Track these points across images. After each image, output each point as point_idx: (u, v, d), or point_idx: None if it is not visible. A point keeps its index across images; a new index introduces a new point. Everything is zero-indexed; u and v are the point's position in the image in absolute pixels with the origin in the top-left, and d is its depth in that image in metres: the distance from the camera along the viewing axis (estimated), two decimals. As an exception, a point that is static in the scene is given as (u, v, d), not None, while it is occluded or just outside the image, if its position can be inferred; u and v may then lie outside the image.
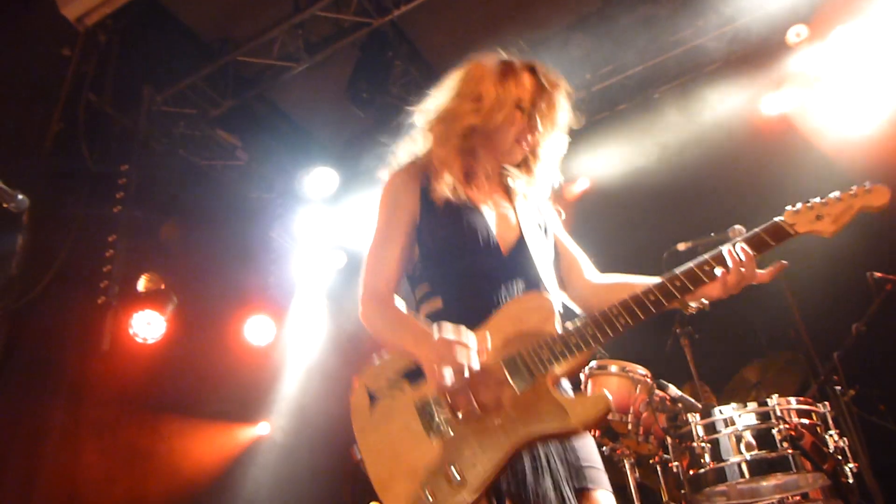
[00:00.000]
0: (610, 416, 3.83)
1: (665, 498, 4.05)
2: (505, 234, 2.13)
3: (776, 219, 1.97)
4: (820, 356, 4.47)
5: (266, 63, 6.12)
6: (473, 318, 1.94)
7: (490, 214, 2.16)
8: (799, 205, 1.96)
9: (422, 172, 2.21)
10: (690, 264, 1.94)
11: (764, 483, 3.48)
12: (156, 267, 5.85)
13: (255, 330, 6.52)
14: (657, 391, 3.84)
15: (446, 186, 2.13)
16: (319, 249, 7.03)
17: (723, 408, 3.46)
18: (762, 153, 5.81)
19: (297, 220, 6.92)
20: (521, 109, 2.19)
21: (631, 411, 3.77)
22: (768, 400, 3.36)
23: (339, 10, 5.81)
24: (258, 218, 7.08)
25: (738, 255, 1.92)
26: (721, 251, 1.93)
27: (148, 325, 5.57)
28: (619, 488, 3.91)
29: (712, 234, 4.36)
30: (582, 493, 1.87)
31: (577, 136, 7.33)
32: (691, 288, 1.90)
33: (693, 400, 3.72)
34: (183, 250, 6.10)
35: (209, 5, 5.91)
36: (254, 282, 6.80)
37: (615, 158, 6.62)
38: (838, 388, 3.95)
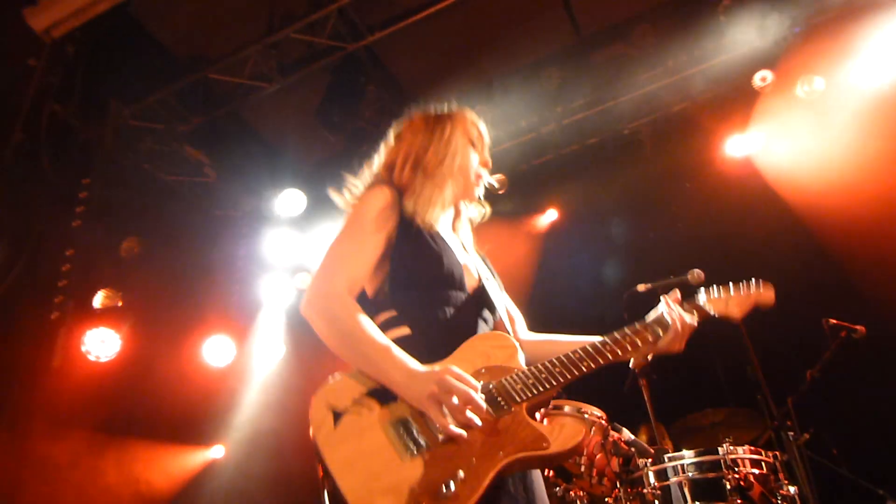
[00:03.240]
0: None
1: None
2: (469, 272, 2.19)
3: (700, 300, 2.27)
4: (775, 400, 4.51)
5: (238, 82, 6.07)
6: (441, 349, 1.97)
7: (458, 252, 2.21)
8: (716, 292, 2.28)
9: (402, 194, 2.23)
10: (638, 324, 2.11)
11: (713, 531, 3.48)
12: (114, 283, 5.74)
13: (213, 350, 6.41)
14: (612, 433, 3.84)
15: (426, 218, 2.17)
16: (284, 270, 6.95)
17: (674, 454, 3.46)
18: (726, 195, 5.89)
19: (263, 241, 6.84)
20: (474, 147, 2.38)
21: (585, 453, 3.75)
22: (719, 448, 3.37)
23: (314, 33, 5.79)
24: (223, 236, 6.98)
25: (678, 323, 2.11)
26: (665, 318, 2.12)
27: (102, 343, 5.46)
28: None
29: (671, 277, 4.40)
30: None
31: (547, 168, 7.38)
32: (639, 344, 2.07)
33: (646, 445, 3.73)
34: (143, 267, 5.99)
35: (183, 21, 5.86)
36: (215, 301, 6.69)
37: (583, 192, 6.67)
38: (791, 433, 3.98)
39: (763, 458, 3.45)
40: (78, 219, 5.61)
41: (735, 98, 6.00)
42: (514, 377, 1.93)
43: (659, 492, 3.37)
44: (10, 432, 4.96)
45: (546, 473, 3.82)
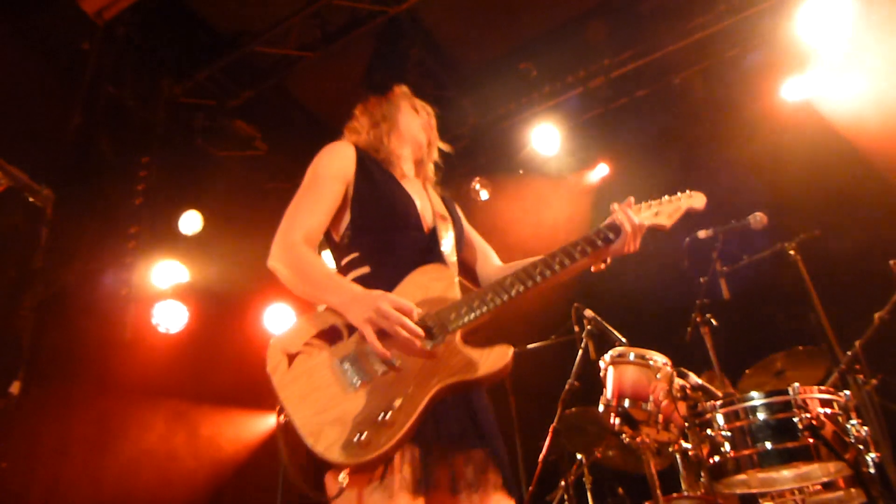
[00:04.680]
0: (629, 404, 3.84)
1: (684, 486, 4.05)
2: (426, 215, 2.36)
3: (620, 207, 2.30)
4: (841, 345, 4.43)
5: (283, 53, 6.13)
6: (395, 285, 2.12)
7: (414, 195, 2.37)
8: (643, 204, 2.35)
9: (361, 150, 2.40)
10: (568, 244, 2.22)
11: (784, 472, 3.45)
12: (177, 257, 5.92)
13: (274, 318, 6.58)
14: (677, 379, 3.82)
15: (383, 167, 2.38)
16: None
17: (743, 396, 3.44)
18: (783, 139, 5.74)
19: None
20: (418, 112, 2.61)
21: (650, 399, 3.74)
22: (789, 389, 3.33)
23: (356, -1, 5.80)
24: (277, 208, 7.10)
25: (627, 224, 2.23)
26: (592, 238, 2.23)
27: (170, 316, 5.65)
28: (639, 476, 3.93)
29: (732, 222, 4.34)
30: (476, 449, 2.05)
31: (596, 123, 7.30)
32: (589, 251, 2.21)
33: (713, 389, 3.70)
34: (203, 240, 6.15)
35: (226, -4, 5.92)
36: (272, 272, 6.84)
37: (634, 145, 6.58)
38: (860, 377, 3.91)
39: (835, 397, 3.41)
40: (139, 196, 5.80)
41: (788, 42, 5.80)
42: (450, 307, 2.05)
43: (729, 434, 3.36)
44: (90, 402, 5.22)
45: (612, 420, 3.84)
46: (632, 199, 2.34)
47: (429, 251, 2.26)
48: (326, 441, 1.86)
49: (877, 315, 4.09)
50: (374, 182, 2.31)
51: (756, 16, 5.79)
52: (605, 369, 3.99)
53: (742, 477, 3.43)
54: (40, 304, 4.68)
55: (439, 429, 1.99)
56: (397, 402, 1.91)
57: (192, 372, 5.84)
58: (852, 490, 3.49)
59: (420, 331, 1.96)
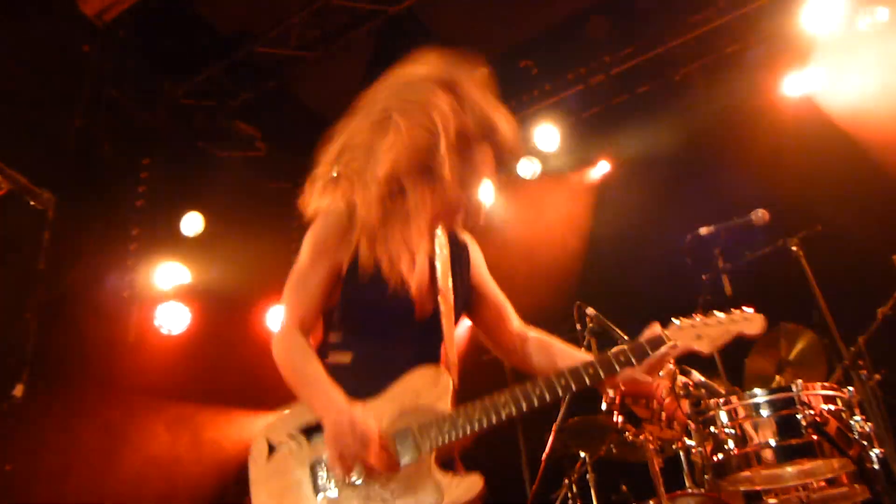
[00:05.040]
0: (632, 403, 3.84)
1: (688, 483, 4.05)
2: (424, 299, 2.15)
3: (658, 331, 2.05)
4: (844, 341, 4.42)
5: (283, 53, 6.13)
6: (375, 383, 2.03)
7: (414, 277, 2.14)
8: (681, 321, 2.05)
9: (361, 216, 2.11)
10: (579, 368, 1.98)
11: (788, 469, 3.45)
12: (179, 259, 5.93)
13: (277, 319, 6.58)
14: (680, 377, 3.82)
15: (381, 238, 2.10)
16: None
17: (747, 394, 3.44)
18: (784, 135, 5.72)
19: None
20: (493, 144, 2.21)
21: (653, 397, 3.75)
22: (792, 386, 3.33)
23: (355, -1, 5.80)
24: (278, 208, 7.13)
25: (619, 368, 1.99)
26: (610, 362, 1.99)
27: (172, 317, 5.66)
28: (643, 474, 3.93)
29: (734, 218, 4.33)
30: None
31: (597, 120, 7.27)
32: (573, 388, 1.97)
33: (716, 386, 3.70)
34: (205, 242, 6.16)
35: (226, -4, 5.93)
36: (275, 270, 6.85)
37: (635, 142, 6.57)
38: (863, 372, 3.91)
39: (838, 393, 3.41)
40: (140, 198, 5.81)
41: (789, 37, 5.79)
42: (434, 422, 1.96)
43: (732, 431, 3.36)
44: (94, 404, 5.23)
45: (616, 418, 3.84)
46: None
47: (420, 341, 2.12)
48: None
49: (880, 310, 4.09)
50: (367, 262, 2.08)
51: (756, 11, 5.78)
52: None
53: (746, 474, 3.44)
54: (43, 307, 4.70)
55: None
56: None
57: (195, 373, 5.86)
58: (856, 486, 3.49)
59: (377, 467, 1.89)
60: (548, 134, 6.64)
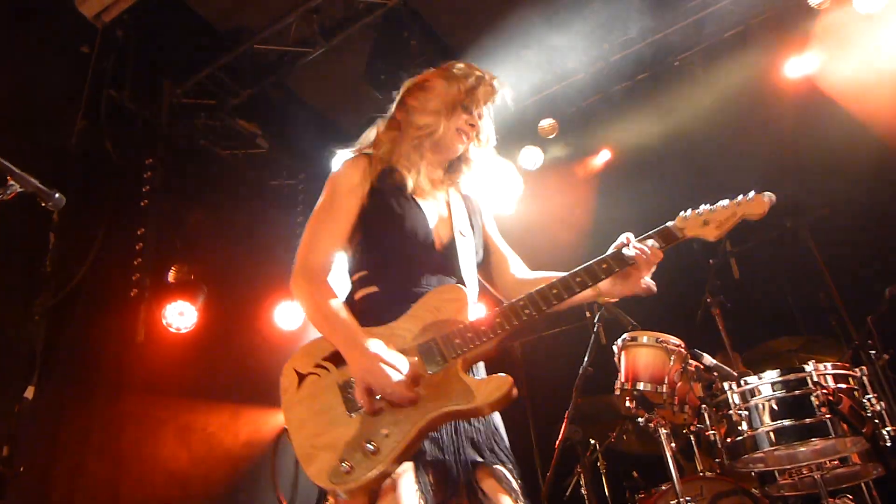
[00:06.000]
0: (644, 387, 3.86)
1: (700, 467, 4.07)
2: (441, 231, 2.32)
3: (667, 223, 2.19)
4: (853, 322, 4.43)
5: (282, 50, 6.12)
6: (402, 306, 2.13)
7: (431, 212, 2.34)
8: (689, 211, 2.17)
9: (375, 163, 2.35)
10: (592, 262, 2.13)
11: (802, 449, 3.47)
12: (185, 257, 5.93)
13: (284, 315, 6.59)
14: (691, 361, 3.84)
15: (397, 183, 2.31)
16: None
17: (759, 375, 3.46)
18: (787, 117, 5.72)
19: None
20: (464, 108, 2.39)
21: (665, 381, 3.76)
22: (805, 366, 3.35)
23: (353, -7, 5.79)
24: (282, 204, 7.13)
25: (633, 255, 2.10)
26: (621, 253, 2.12)
27: (181, 316, 5.66)
28: (656, 458, 3.95)
29: (739, 202, 4.32)
30: (482, 466, 2.07)
31: (597, 108, 7.25)
32: (589, 283, 2.11)
33: (728, 369, 3.72)
34: (210, 240, 6.16)
35: (223, -7, 5.91)
36: (280, 268, 6.85)
37: (636, 129, 6.56)
38: (873, 352, 3.92)
39: (850, 372, 3.42)
40: (145, 198, 5.80)
41: (789, 19, 5.78)
42: (456, 332, 2.05)
43: (745, 412, 3.38)
44: (105, 404, 5.23)
45: (628, 405, 3.86)
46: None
47: (441, 269, 2.24)
48: (317, 466, 1.95)
49: (888, 290, 4.10)
50: (384, 201, 2.28)
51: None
52: (619, 353, 4.00)
53: (759, 454, 3.45)
54: (51, 309, 4.70)
55: (444, 450, 2.02)
56: (384, 431, 1.95)
57: (204, 371, 5.85)
58: (868, 465, 3.51)
59: (407, 393, 1.96)
60: (548, 122, 6.63)
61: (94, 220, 5.33)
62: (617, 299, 2.23)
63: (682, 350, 3.87)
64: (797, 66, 5.78)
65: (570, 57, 6.51)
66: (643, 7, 6.03)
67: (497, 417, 2.21)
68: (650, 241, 2.13)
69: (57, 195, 2.74)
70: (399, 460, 1.92)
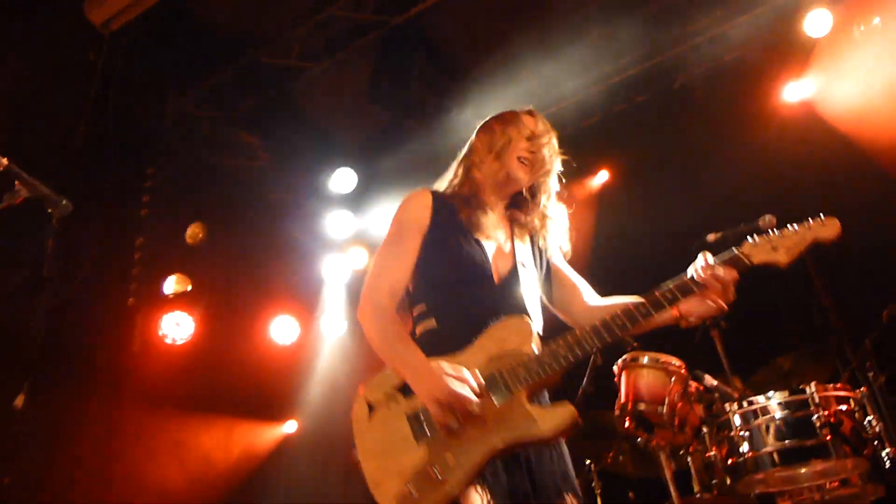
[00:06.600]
0: (644, 408, 3.85)
1: (696, 488, 4.06)
2: (500, 264, 2.36)
3: (734, 250, 2.22)
4: (850, 343, 4.45)
5: (286, 63, 6.15)
6: (462, 340, 2.19)
7: (490, 246, 2.39)
8: (757, 238, 2.20)
9: (438, 199, 2.44)
10: (656, 291, 2.18)
11: (803, 470, 3.47)
12: (182, 268, 5.91)
13: (280, 329, 6.57)
14: (691, 381, 3.85)
15: (457, 219, 2.38)
16: (340, 248, 7.05)
17: (760, 396, 3.47)
18: (787, 141, 5.78)
19: (319, 220, 6.94)
20: (528, 139, 2.47)
21: (666, 402, 3.76)
22: (806, 388, 3.37)
23: (358, 9, 5.83)
24: (281, 217, 7.12)
25: (702, 281, 2.15)
26: (687, 281, 2.17)
27: (177, 326, 5.65)
28: (655, 479, 3.94)
29: (742, 225, 4.36)
30: (550, 495, 2.11)
31: (596, 129, 7.28)
32: (653, 312, 2.16)
33: (729, 390, 3.73)
34: (208, 251, 6.15)
35: (230, 6, 5.94)
36: (278, 281, 6.84)
37: (635, 150, 6.61)
38: (870, 374, 3.94)
39: (851, 394, 3.44)
40: (145, 207, 5.80)
41: (788, 44, 5.87)
42: (522, 363, 2.10)
43: (746, 433, 3.39)
44: (99, 414, 5.20)
45: (627, 426, 3.85)
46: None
47: (499, 302, 2.26)
48: (385, 493, 2.05)
49: (885, 312, 4.12)
50: (443, 235, 2.35)
51: (755, 18, 5.84)
52: (619, 373, 4.00)
53: (761, 476, 3.45)
54: (48, 316, 4.67)
55: (511, 476, 2.07)
56: (451, 460, 2.02)
57: (199, 382, 5.82)
58: (868, 486, 3.52)
59: (475, 409, 2.02)
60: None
61: (93, 228, 5.32)
62: (699, 322, 2.26)
63: (683, 371, 3.87)
64: (796, 91, 5.86)
65: (569, 78, 6.57)
66: (644, 30, 6.10)
67: (564, 447, 2.25)
68: (719, 269, 2.15)
69: (64, 202, 2.73)
70: (464, 486, 1.98)
